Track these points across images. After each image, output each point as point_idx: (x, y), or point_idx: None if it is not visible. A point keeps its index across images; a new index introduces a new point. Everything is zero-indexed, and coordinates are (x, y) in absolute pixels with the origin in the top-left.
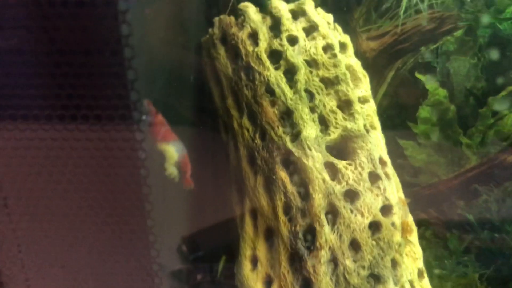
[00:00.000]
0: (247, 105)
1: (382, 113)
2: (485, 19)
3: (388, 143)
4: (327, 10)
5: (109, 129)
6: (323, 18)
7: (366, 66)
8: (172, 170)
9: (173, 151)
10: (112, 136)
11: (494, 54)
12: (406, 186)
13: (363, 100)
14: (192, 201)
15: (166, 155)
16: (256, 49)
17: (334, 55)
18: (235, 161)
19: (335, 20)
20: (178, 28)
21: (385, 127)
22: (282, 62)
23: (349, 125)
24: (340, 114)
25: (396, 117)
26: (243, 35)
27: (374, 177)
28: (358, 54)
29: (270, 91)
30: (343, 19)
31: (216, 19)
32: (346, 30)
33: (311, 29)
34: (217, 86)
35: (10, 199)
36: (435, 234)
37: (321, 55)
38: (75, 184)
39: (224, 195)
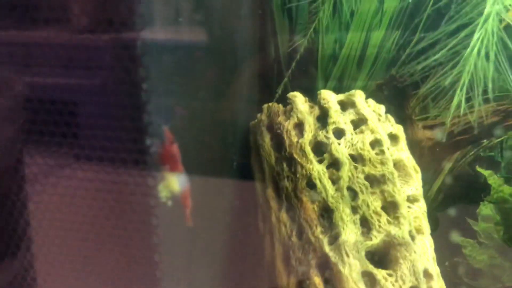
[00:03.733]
0: (287, 198)
1: (437, 207)
2: None
3: (444, 239)
4: (382, 96)
5: (122, 173)
6: (374, 110)
7: (421, 155)
8: (166, 195)
9: (177, 184)
10: (124, 180)
11: None
12: None
13: (412, 199)
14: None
15: (168, 185)
16: (300, 140)
17: (382, 152)
18: (270, 258)
19: (390, 107)
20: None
21: (441, 222)
22: (326, 155)
23: (393, 230)
24: (384, 217)
25: (453, 211)
26: (289, 125)
27: None
28: (413, 142)
29: (311, 186)
30: (399, 105)
31: (265, 106)
32: (401, 117)
33: (359, 122)
34: (260, 173)
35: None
36: None
37: (368, 150)
38: (83, 226)
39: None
